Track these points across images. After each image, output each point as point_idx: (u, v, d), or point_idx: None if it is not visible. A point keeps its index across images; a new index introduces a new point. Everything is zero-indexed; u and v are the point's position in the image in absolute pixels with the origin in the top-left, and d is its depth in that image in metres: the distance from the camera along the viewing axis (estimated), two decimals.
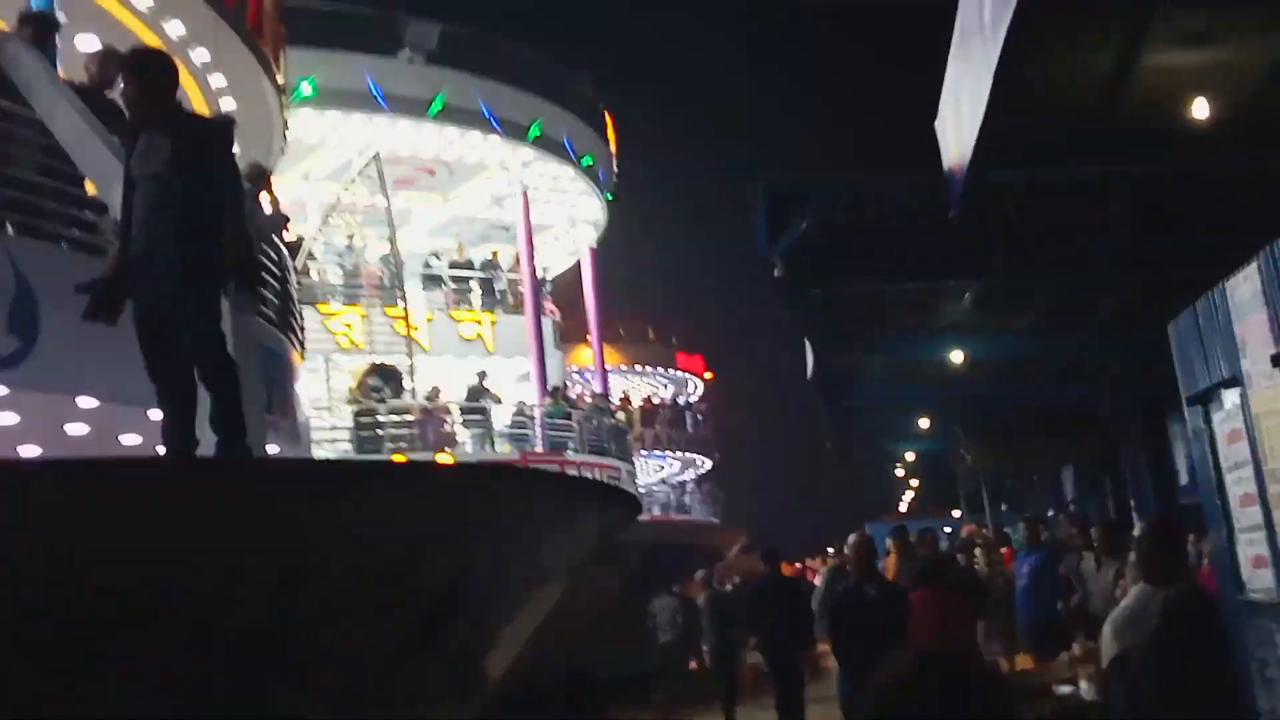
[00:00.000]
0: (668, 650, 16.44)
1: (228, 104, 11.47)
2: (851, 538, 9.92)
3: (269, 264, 10.10)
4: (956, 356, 19.60)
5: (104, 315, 5.44)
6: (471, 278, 25.50)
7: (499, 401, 22.71)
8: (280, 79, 12.03)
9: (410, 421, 20.77)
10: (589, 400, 26.97)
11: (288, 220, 10.88)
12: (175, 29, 11.01)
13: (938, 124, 14.07)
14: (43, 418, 7.61)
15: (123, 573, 4.18)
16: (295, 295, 11.17)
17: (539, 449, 21.70)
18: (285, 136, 12.84)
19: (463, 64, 22.86)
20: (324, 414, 21.23)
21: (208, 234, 5.31)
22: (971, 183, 11.68)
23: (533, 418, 22.47)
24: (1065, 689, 8.67)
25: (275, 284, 10.36)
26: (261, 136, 12.16)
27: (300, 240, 11.56)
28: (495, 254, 26.30)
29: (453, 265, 25.60)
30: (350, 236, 23.40)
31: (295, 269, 11.24)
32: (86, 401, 7.53)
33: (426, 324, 24.23)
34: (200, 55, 11.25)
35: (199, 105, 11.16)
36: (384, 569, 5.01)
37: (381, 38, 22.11)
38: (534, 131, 24.05)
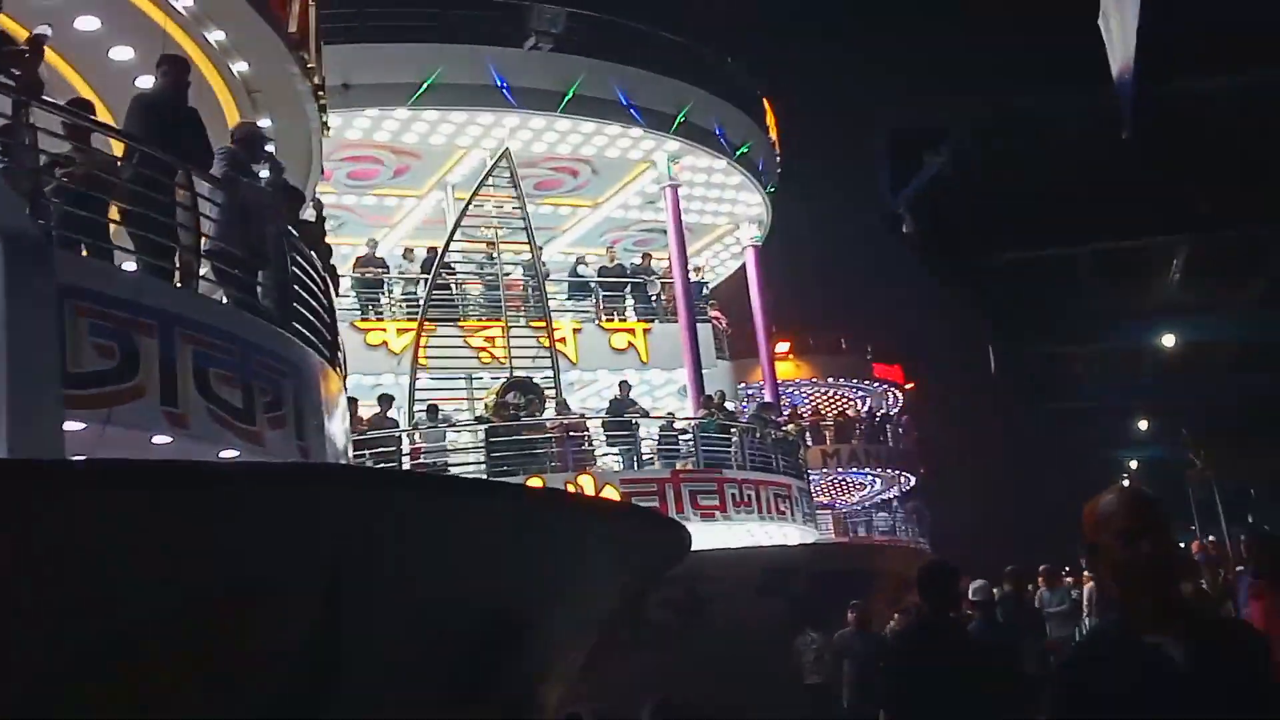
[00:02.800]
0: (815, 694, 13.94)
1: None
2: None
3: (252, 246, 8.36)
4: (1168, 340, 16.27)
5: None
6: (622, 284, 23.69)
7: (645, 415, 20.73)
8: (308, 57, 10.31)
9: (547, 440, 19.06)
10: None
11: (299, 196, 9.11)
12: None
13: (1100, 19, 10.73)
14: None
15: None
16: (319, 292, 9.39)
17: (690, 465, 19.69)
18: (324, 113, 11.12)
19: (594, 50, 21.08)
20: (464, 434, 20.00)
21: None
22: (1145, 93, 8.48)
23: (684, 431, 20.41)
24: None
25: (277, 271, 8.63)
26: (288, 107, 10.47)
27: (320, 217, 9.75)
28: (646, 258, 24.37)
29: (602, 272, 23.87)
30: (490, 245, 21.95)
31: (320, 263, 9.41)
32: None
33: (574, 335, 22.59)
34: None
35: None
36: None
37: (505, 27, 20.54)
38: (679, 119, 22.03)
